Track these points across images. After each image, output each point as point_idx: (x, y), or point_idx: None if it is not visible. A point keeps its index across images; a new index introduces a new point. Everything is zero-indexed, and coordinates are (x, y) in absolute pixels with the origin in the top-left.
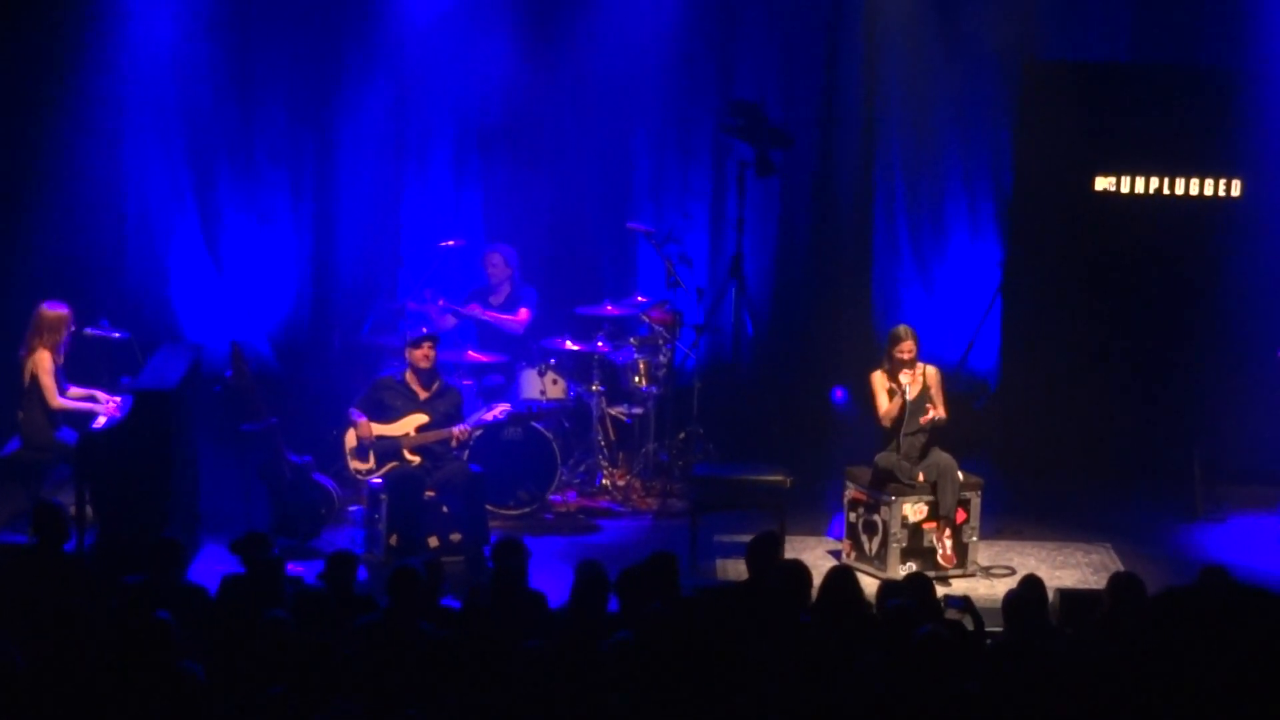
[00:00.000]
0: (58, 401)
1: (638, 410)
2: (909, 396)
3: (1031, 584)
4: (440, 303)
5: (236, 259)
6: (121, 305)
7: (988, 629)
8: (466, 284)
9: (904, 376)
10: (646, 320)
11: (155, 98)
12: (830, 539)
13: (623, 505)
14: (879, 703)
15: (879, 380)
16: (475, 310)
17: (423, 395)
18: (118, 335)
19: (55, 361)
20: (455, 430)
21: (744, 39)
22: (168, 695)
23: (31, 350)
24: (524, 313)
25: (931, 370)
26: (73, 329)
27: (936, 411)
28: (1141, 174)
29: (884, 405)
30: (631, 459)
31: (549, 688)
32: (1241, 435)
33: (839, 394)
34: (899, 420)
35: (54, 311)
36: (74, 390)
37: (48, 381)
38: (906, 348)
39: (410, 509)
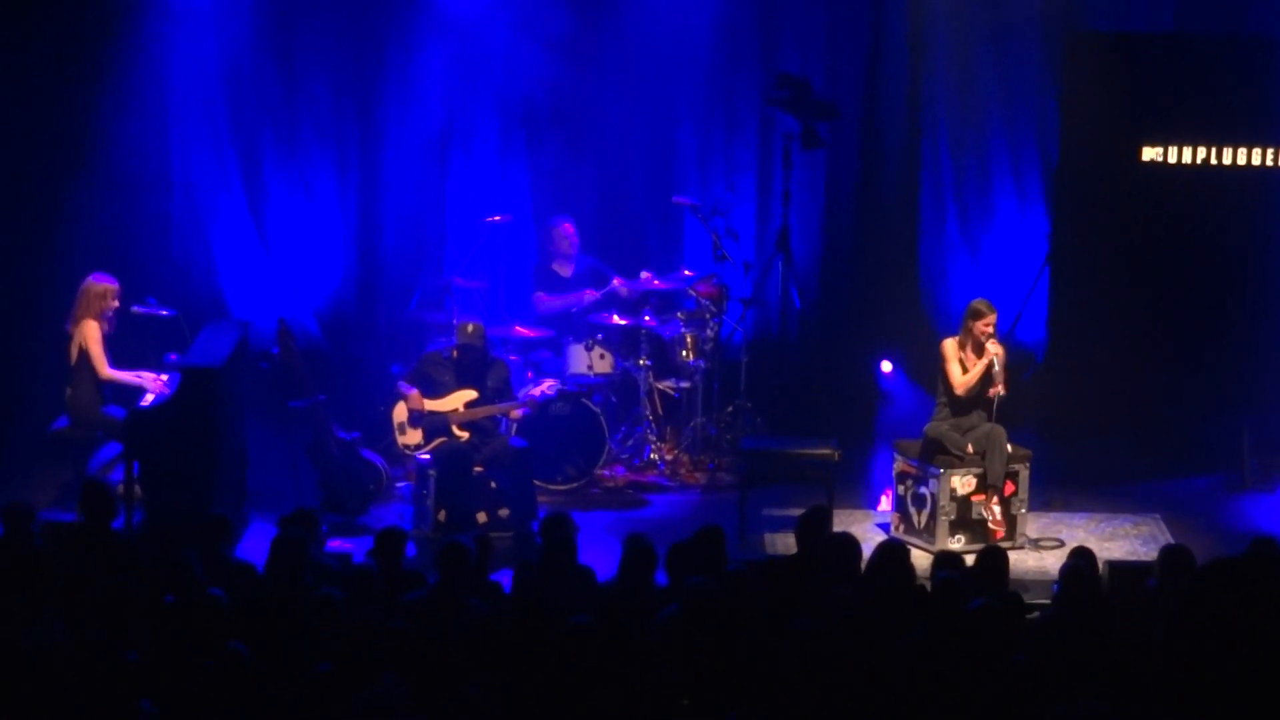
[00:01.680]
0: (108, 372)
1: (685, 384)
2: (996, 368)
3: (1085, 554)
4: (622, 288)
5: (283, 236)
6: (168, 283)
7: (1035, 602)
8: (517, 260)
9: (992, 346)
10: (693, 294)
11: (200, 75)
12: (878, 512)
13: (671, 479)
14: (928, 676)
15: (951, 349)
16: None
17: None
18: (165, 313)
19: (103, 330)
20: (515, 413)
21: (789, 11)
22: (218, 672)
23: (78, 322)
24: (617, 280)
25: (999, 347)
26: (117, 303)
27: (1002, 387)
28: (1188, 144)
29: (958, 375)
30: (679, 433)
31: (597, 662)
32: None
33: (887, 366)
34: (973, 390)
35: (101, 283)
36: (119, 372)
37: (97, 351)
38: (991, 321)
39: (459, 485)
